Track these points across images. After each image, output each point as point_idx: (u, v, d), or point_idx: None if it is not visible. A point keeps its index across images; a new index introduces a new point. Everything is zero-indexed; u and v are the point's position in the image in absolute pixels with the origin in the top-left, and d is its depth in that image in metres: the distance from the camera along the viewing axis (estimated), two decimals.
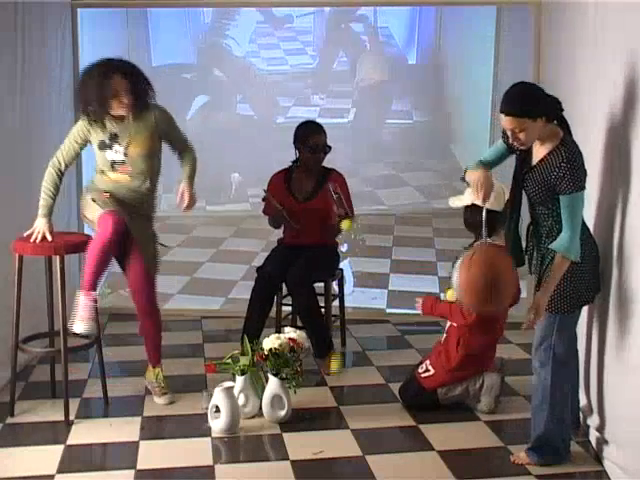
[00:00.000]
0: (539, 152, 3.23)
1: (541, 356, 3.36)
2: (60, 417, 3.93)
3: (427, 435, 3.81)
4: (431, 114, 6.43)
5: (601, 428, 3.52)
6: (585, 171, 3.17)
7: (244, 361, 3.96)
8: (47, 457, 3.60)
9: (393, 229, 6.13)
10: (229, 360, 4.00)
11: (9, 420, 3.97)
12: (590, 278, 3.30)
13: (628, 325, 3.21)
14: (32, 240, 3.90)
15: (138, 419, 4.00)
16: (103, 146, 4.03)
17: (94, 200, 3.98)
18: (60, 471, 3.47)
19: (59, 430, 3.86)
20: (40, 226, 3.94)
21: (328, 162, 4.92)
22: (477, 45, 6.78)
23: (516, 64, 5.96)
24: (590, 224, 3.67)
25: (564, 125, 3.23)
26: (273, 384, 3.96)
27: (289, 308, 5.16)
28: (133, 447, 3.70)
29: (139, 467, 3.51)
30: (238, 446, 3.78)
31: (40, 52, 4.90)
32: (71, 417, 3.98)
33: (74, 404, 4.13)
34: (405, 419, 4.00)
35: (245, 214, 7.12)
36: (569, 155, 3.14)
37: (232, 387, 3.87)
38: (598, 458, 3.51)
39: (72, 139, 4.06)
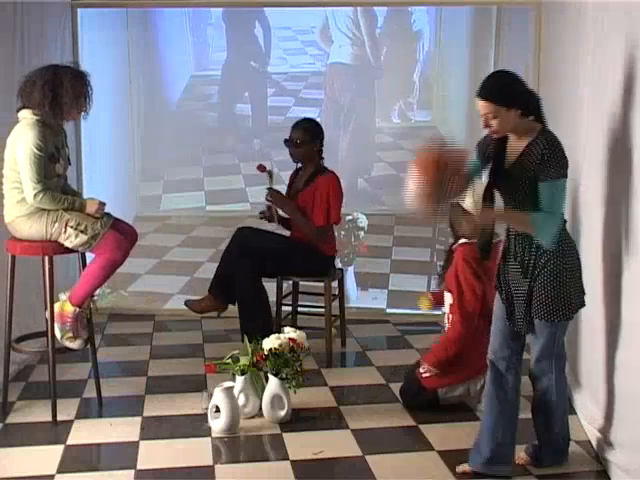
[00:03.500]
0: (517, 148, 3.16)
1: (545, 366, 3.31)
2: (60, 417, 3.93)
3: (427, 435, 3.81)
4: (431, 114, 6.44)
5: (602, 428, 3.51)
6: (567, 160, 3.12)
7: (244, 361, 3.96)
8: (47, 457, 3.59)
9: (393, 229, 6.13)
10: (229, 360, 4.00)
11: (9, 420, 3.97)
12: (580, 283, 3.27)
13: (632, 326, 3.20)
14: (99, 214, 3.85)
15: (138, 419, 4.00)
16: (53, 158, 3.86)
17: (72, 226, 3.80)
18: (60, 471, 3.47)
19: (59, 430, 3.86)
20: (94, 203, 3.87)
21: (334, 163, 4.91)
22: (477, 45, 6.78)
23: (516, 64, 5.96)
24: (593, 224, 3.67)
25: (543, 123, 3.19)
26: (273, 384, 3.96)
27: (289, 308, 5.16)
28: (133, 447, 3.69)
29: (139, 467, 3.51)
30: (238, 446, 3.78)
31: (40, 52, 4.90)
32: (71, 417, 3.99)
33: (74, 404, 4.14)
34: (405, 419, 3.99)
35: (245, 214, 7.12)
36: (550, 143, 3.09)
37: (232, 387, 3.87)
38: (598, 458, 3.51)
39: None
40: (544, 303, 3.17)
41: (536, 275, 3.17)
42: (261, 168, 4.92)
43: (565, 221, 3.22)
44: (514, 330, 3.29)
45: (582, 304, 3.30)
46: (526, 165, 3.11)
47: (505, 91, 3.08)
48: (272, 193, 4.85)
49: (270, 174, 4.89)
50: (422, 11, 6.66)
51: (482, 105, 3.10)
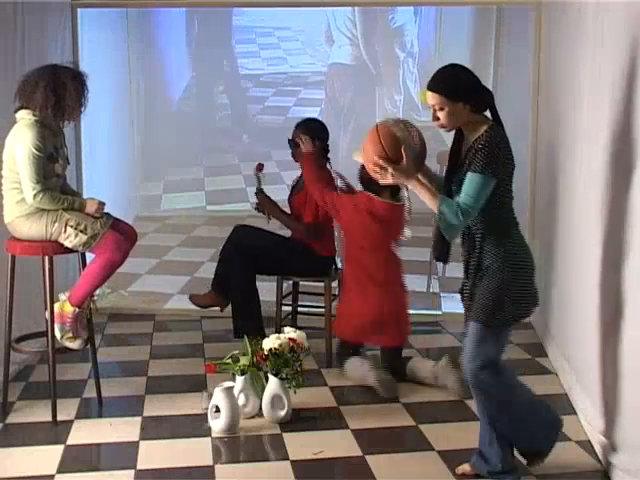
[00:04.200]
0: (467, 143, 3.12)
1: (478, 377, 3.14)
2: (60, 417, 3.93)
3: (427, 435, 3.80)
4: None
5: (602, 429, 3.51)
6: (503, 161, 3.02)
7: (244, 361, 3.96)
8: (47, 457, 3.59)
9: None
10: (229, 360, 4.00)
11: (9, 420, 3.97)
12: (527, 290, 3.14)
13: (633, 326, 3.20)
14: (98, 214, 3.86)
15: (138, 419, 3.99)
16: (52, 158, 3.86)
17: (72, 226, 3.79)
18: (60, 471, 3.47)
19: (59, 430, 3.86)
20: (93, 203, 3.88)
21: (334, 164, 4.90)
22: (477, 45, 6.79)
23: (516, 64, 5.96)
24: (593, 224, 3.67)
25: (496, 119, 3.12)
26: (273, 384, 3.96)
27: (289, 308, 5.16)
28: (133, 447, 3.69)
29: (139, 467, 3.51)
30: (238, 446, 3.78)
31: (40, 52, 4.90)
32: (71, 417, 3.98)
33: (74, 404, 4.13)
34: (405, 419, 3.99)
35: (245, 214, 7.12)
36: (490, 138, 3.02)
37: (232, 387, 3.86)
38: (598, 458, 3.51)
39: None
40: (478, 304, 3.10)
41: (480, 277, 3.11)
42: (259, 167, 4.95)
43: (517, 224, 3.15)
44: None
45: (523, 314, 3.18)
46: (469, 160, 3.05)
47: (453, 84, 3.05)
48: (258, 196, 4.94)
49: (258, 177, 4.93)
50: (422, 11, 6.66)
51: (430, 96, 3.08)
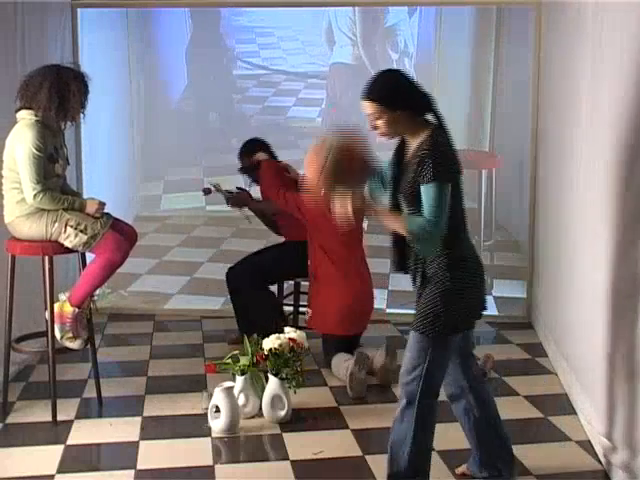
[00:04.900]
0: (410, 150, 2.99)
1: (410, 387, 3.02)
2: (60, 417, 3.93)
3: None
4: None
5: (602, 429, 3.51)
6: (451, 164, 2.89)
7: (244, 361, 3.96)
8: (47, 457, 3.59)
9: None
10: (229, 360, 4.00)
11: (9, 420, 3.97)
12: (472, 300, 3.02)
13: (633, 326, 3.20)
14: (98, 214, 3.87)
15: (138, 419, 3.99)
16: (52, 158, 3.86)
17: (72, 226, 3.79)
18: (60, 471, 3.47)
19: (59, 430, 3.86)
20: (94, 203, 3.88)
21: None
22: (477, 45, 6.78)
23: (516, 64, 5.96)
24: (592, 223, 3.67)
25: (440, 122, 2.99)
26: (273, 384, 3.96)
27: (290, 308, 5.16)
28: (133, 447, 3.69)
29: (139, 467, 3.51)
30: (238, 446, 3.78)
31: (40, 52, 4.90)
32: (71, 417, 3.99)
33: (74, 404, 4.13)
34: None
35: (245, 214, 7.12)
36: (432, 144, 2.88)
37: (232, 387, 3.87)
38: (598, 458, 3.51)
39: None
40: (419, 314, 3.00)
41: (424, 285, 3.01)
42: (207, 191, 5.09)
43: (466, 231, 3.03)
44: None
45: (465, 326, 3.08)
46: (412, 167, 2.92)
47: (389, 92, 2.93)
48: (229, 200, 5.04)
49: (215, 190, 5.04)
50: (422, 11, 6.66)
51: (366, 106, 2.95)
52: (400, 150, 3.06)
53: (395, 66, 6.81)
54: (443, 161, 2.86)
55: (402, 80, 2.99)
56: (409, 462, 3.04)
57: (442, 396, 4.22)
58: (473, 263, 3.03)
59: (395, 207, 3.05)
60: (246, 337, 4.06)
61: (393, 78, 3.00)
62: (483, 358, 4.53)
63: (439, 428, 3.84)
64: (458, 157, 2.95)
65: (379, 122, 2.95)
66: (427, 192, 2.86)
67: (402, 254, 3.09)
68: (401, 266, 3.13)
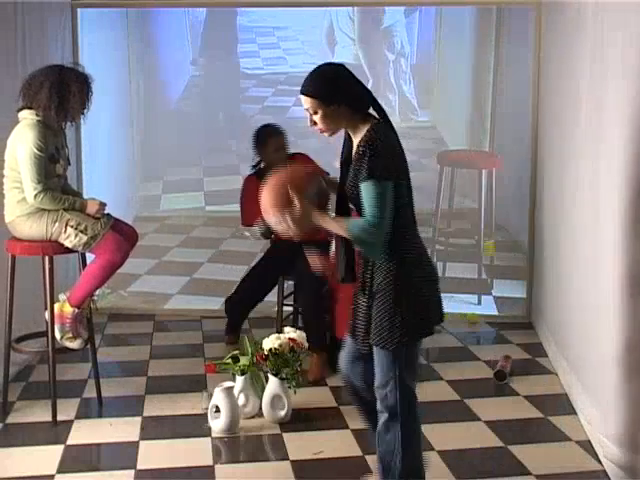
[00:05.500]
0: (354, 146, 2.88)
1: (388, 400, 2.93)
2: (60, 417, 3.93)
3: (427, 435, 3.79)
4: (432, 114, 6.43)
5: (602, 429, 3.51)
6: (392, 163, 2.77)
7: (244, 361, 3.96)
8: (47, 457, 3.59)
9: None
10: (229, 360, 4.00)
11: (9, 420, 3.97)
12: (428, 304, 2.90)
13: (633, 325, 3.20)
14: (99, 214, 3.86)
15: (138, 419, 4.00)
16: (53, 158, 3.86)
17: (72, 226, 3.79)
18: (60, 471, 3.47)
19: (59, 430, 3.86)
20: (94, 204, 3.88)
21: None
22: (477, 45, 6.79)
23: (516, 64, 5.96)
24: (592, 223, 3.67)
25: (383, 117, 2.87)
26: (273, 384, 3.96)
27: (290, 308, 5.16)
28: (133, 447, 3.70)
29: (139, 467, 3.51)
30: (238, 446, 3.78)
31: (40, 52, 4.90)
32: (71, 417, 3.99)
33: (74, 404, 4.13)
34: None
35: None
36: (370, 139, 2.76)
37: (232, 387, 3.87)
38: (598, 458, 3.51)
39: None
40: (378, 328, 2.84)
41: (374, 294, 2.86)
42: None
43: (416, 234, 2.90)
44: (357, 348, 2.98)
45: (426, 332, 2.93)
46: (353, 166, 2.83)
47: (325, 86, 2.82)
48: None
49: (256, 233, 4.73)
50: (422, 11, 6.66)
51: (303, 100, 2.85)
52: (348, 149, 2.94)
53: (392, 67, 6.83)
54: (380, 157, 2.73)
55: (339, 74, 2.87)
56: (404, 470, 2.99)
57: (443, 397, 4.25)
58: (424, 267, 2.90)
59: (345, 211, 2.94)
60: (246, 338, 4.07)
61: (330, 72, 2.88)
62: (502, 359, 4.53)
63: (439, 428, 3.86)
64: (402, 154, 2.83)
65: (316, 117, 2.84)
66: (365, 190, 2.74)
67: (350, 262, 2.96)
68: (350, 276, 2.98)
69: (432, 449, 3.65)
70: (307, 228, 2.84)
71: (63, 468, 3.50)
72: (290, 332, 4.03)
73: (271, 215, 2.84)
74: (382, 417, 2.97)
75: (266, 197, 2.85)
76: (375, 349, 2.90)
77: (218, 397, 3.81)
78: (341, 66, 2.91)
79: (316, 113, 2.83)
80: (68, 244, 3.82)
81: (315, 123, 2.86)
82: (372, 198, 2.72)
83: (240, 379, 3.98)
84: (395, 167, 2.78)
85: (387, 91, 6.77)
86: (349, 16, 6.81)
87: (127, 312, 5.73)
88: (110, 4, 5.87)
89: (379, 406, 2.97)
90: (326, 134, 2.89)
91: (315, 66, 2.89)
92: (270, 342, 3.94)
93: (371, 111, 2.88)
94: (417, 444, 3.04)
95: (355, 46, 6.77)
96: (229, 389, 3.83)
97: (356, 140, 2.85)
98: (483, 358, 4.81)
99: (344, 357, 3.08)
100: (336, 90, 2.82)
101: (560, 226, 4.55)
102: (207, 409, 3.89)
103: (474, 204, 5.99)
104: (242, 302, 4.97)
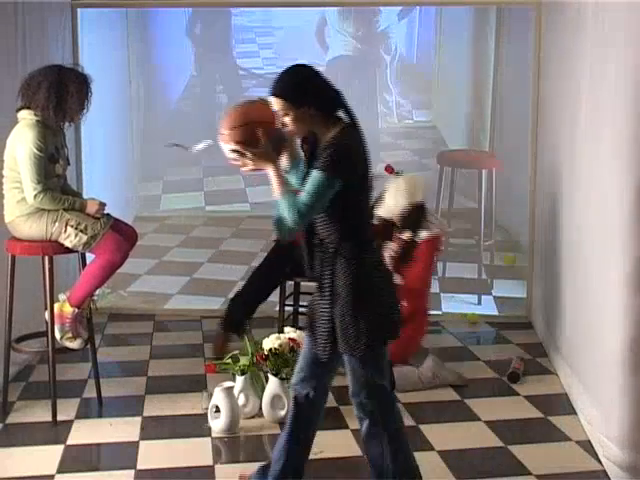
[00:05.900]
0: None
1: (366, 406, 2.97)
2: (60, 417, 3.93)
3: (427, 435, 3.80)
4: (432, 114, 6.43)
5: (602, 429, 3.51)
6: (354, 165, 2.78)
7: (244, 361, 3.96)
8: (47, 457, 3.59)
9: None
10: (229, 360, 4.00)
11: (9, 420, 3.97)
12: (393, 306, 2.92)
13: (633, 325, 3.20)
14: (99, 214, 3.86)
15: (138, 419, 3.99)
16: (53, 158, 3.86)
17: (72, 226, 3.79)
18: (60, 471, 3.47)
19: (59, 430, 3.86)
20: (94, 204, 3.87)
21: None
22: (477, 45, 6.79)
23: (516, 64, 5.96)
24: (590, 223, 3.67)
25: (352, 120, 2.86)
26: (273, 384, 3.96)
27: (290, 308, 5.16)
28: (133, 447, 3.69)
29: (139, 467, 3.51)
30: (238, 446, 3.78)
31: (40, 52, 4.89)
32: (71, 417, 3.99)
33: (74, 404, 4.13)
34: (405, 419, 3.98)
35: (245, 214, 7.13)
36: (338, 139, 2.78)
37: (232, 387, 3.87)
38: (598, 458, 3.51)
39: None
40: (340, 336, 2.84)
41: (335, 298, 2.85)
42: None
43: (362, 237, 2.87)
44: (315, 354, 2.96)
45: (393, 335, 2.93)
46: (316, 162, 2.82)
47: (293, 88, 2.82)
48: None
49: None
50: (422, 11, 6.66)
51: (274, 102, 2.84)
52: (310, 151, 2.93)
53: (388, 67, 6.84)
54: (341, 156, 2.75)
55: (308, 76, 2.86)
56: (397, 469, 3.00)
57: (443, 397, 4.25)
58: (378, 271, 2.90)
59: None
60: (246, 338, 4.07)
61: (299, 74, 2.87)
62: (515, 360, 4.52)
63: (439, 428, 3.87)
64: (365, 158, 2.84)
65: (286, 119, 2.83)
66: (312, 177, 2.75)
67: (312, 256, 2.94)
68: (310, 272, 2.97)
69: (432, 449, 3.65)
70: (259, 169, 2.83)
71: (63, 468, 3.50)
72: (290, 332, 4.03)
73: (231, 144, 2.82)
74: (364, 423, 3.00)
75: (232, 128, 2.82)
76: (344, 357, 2.90)
77: (218, 397, 3.81)
78: (310, 68, 2.90)
79: (287, 115, 2.82)
80: (68, 244, 3.82)
81: (285, 124, 2.84)
82: (314, 186, 2.74)
83: (240, 379, 3.98)
84: (350, 169, 2.78)
85: (384, 92, 6.78)
86: (345, 16, 6.82)
87: (127, 312, 5.72)
88: (110, 4, 5.87)
89: (358, 413, 2.99)
90: (296, 136, 2.89)
91: (286, 67, 2.88)
92: (270, 342, 3.94)
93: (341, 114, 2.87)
94: (404, 441, 3.06)
95: (352, 40, 6.78)
96: (229, 389, 3.83)
97: (323, 142, 2.84)
98: (483, 358, 4.81)
99: (299, 361, 3.06)
100: (305, 92, 2.82)
101: (560, 226, 4.55)
102: (207, 409, 3.89)
103: (474, 204, 5.99)
104: (246, 303, 4.92)
